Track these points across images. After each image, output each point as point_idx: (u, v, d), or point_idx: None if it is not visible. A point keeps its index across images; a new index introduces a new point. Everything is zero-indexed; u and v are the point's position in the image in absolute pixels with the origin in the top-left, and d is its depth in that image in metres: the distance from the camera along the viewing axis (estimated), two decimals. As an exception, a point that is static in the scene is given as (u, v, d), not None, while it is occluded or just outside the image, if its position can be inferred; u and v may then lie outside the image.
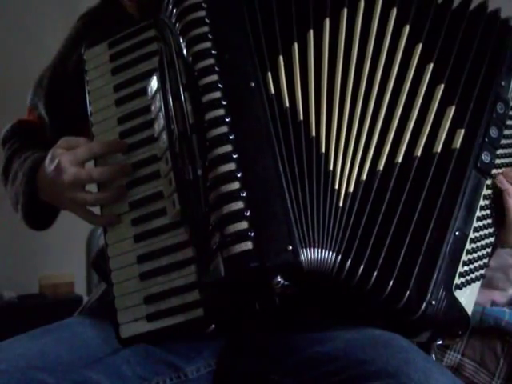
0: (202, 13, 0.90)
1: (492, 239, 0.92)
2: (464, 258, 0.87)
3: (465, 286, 0.87)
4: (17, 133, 1.19)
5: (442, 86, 0.90)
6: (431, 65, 0.91)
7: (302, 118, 0.87)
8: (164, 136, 0.90)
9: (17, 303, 2.67)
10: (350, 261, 0.83)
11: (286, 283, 0.81)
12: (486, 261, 0.91)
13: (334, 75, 0.89)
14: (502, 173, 0.93)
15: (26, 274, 2.82)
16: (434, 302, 0.83)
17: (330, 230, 0.83)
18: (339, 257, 0.83)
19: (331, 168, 0.85)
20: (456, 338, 0.88)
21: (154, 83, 0.92)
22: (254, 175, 0.83)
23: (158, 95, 0.91)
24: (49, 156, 0.98)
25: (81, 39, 1.12)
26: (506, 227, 0.92)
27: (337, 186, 0.85)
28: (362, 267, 0.82)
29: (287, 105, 0.87)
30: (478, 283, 0.90)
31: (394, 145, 0.88)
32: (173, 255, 0.90)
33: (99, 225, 0.99)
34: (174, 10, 0.91)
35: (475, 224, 0.89)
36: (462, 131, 0.89)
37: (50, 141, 1.07)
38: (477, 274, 0.89)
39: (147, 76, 0.95)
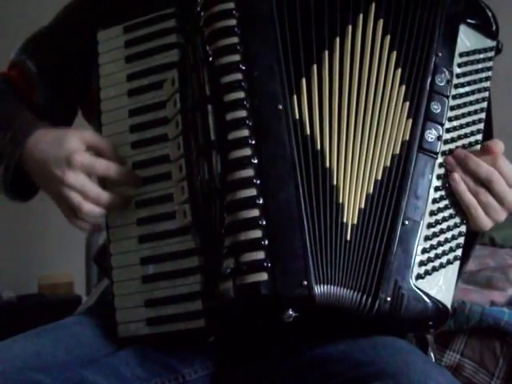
0: (233, 21, 0.85)
1: (461, 218, 0.87)
2: (424, 245, 0.84)
3: (429, 274, 0.84)
4: None
5: (404, 87, 0.88)
6: (399, 70, 0.88)
7: (319, 146, 0.84)
8: (180, 141, 0.87)
9: (16, 303, 2.66)
10: (362, 295, 0.81)
11: (296, 315, 0.80)
12: (458, 241, 0.87)
13: (341, 100, 0.86)
14: (452, 154, 0.88)
15: (25, 274, 2.82)
16: (389, 299, 0.81)
17: (342, 265, 0.81)
18: (353, 293, 0.81)
19: (341, 200, 0.83)
20: (429, 329, 0.85)
21: (172, 81, 0.88)
22: (275, 204, 0.80)
23: (176, 97, 0.88)
24: (59, 135, 0.88)
25: (91, 4, 1.04)
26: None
27: (345, 219, 0.83)
28: (370, 298, 0.82)
29: (308, 132, 0.84)
30: (453, 267, 0.86)
31: (379, 163, 0.85)
32: (178, 262, 0.87)
33: (75, 225, 0.90)
34: (202, 13, 0.86)
35: (432, 207, 0.85)
36: (410, 121, 0.87)
37: (37, 103, 1.01)
38: (448, 257, 0.85)
39: (164, 69, 0.90)
